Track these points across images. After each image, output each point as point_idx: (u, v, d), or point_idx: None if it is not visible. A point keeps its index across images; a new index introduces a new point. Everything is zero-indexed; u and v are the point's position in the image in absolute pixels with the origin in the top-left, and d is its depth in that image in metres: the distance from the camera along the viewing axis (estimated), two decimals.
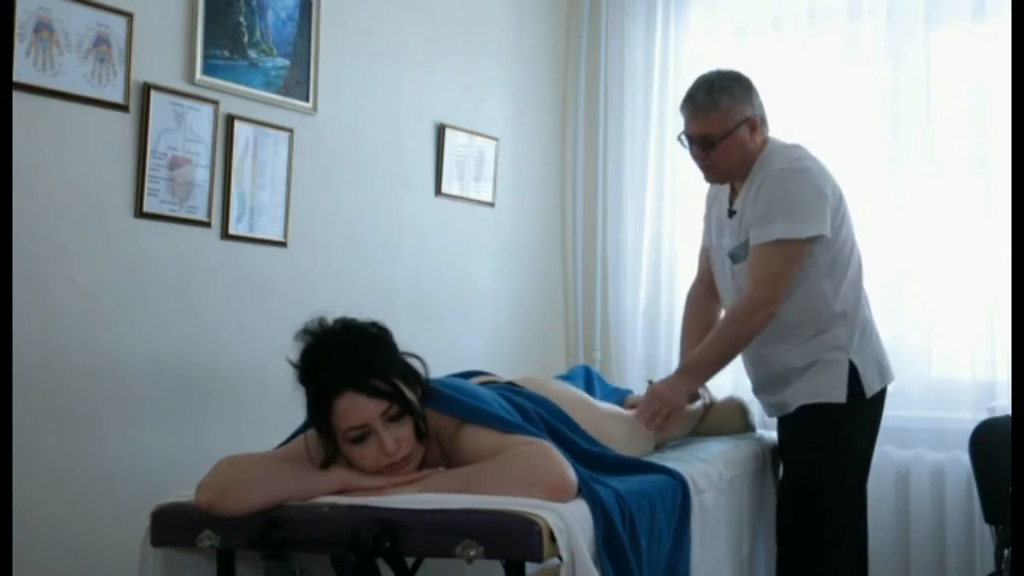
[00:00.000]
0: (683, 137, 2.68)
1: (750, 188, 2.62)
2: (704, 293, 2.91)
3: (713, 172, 2.69)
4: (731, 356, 2.63)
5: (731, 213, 2.70)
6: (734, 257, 2.67)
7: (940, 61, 3.50)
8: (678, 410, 2.57)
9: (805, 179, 2.55)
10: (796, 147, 2.68)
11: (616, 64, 4.02)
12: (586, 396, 2.48)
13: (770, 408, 2.80)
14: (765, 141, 2.66)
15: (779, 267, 2.52)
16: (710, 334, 2.64)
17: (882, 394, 2.70)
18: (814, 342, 2.61)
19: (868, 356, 2.65)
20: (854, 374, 2.60)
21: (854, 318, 2.63)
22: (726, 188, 2.75)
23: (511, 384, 2.29)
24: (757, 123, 2.64)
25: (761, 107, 2.68)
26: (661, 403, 2.53)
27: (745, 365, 2.81)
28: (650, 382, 2.99)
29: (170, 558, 1.91)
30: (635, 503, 1.88)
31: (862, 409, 2.63)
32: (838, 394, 2.58)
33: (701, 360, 2.60)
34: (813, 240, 2.53)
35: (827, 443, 2.59)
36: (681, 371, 2.62)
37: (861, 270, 2.71)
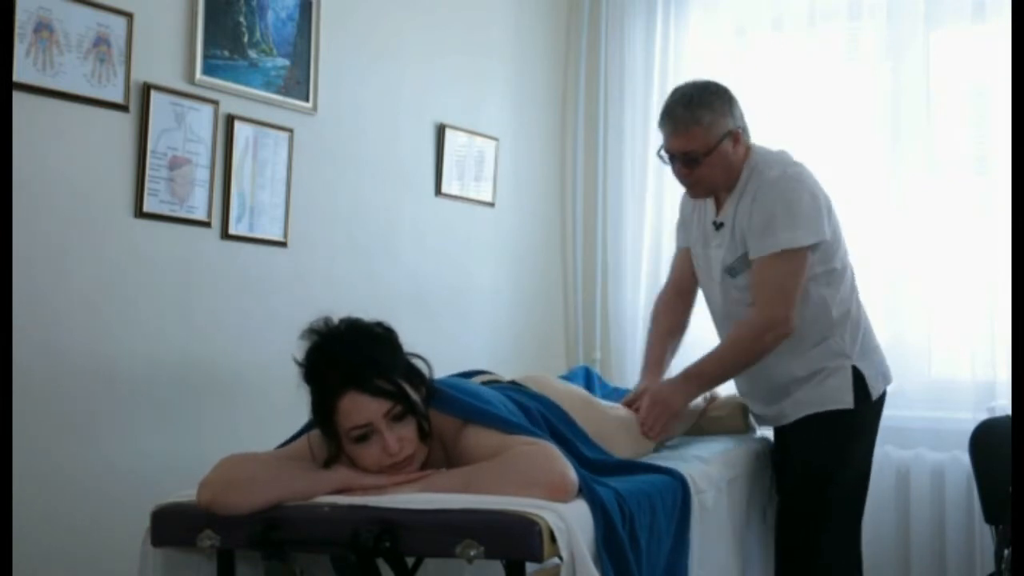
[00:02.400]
0: (663, 153, 2.59)
1: (741, 199, 2.56)
2: (675, 297, 2.85)
3: (698, 188, 2.62)
4: (738, 372, 2.61)
5: (717, 226, 2.63)
6: (732, 271, 2.60)
7: (940, 61, 3.50)
8: (677, 416, 2.55)
9: (802, 186, 2.51)
10: (783, 153, 2.63)
11: (616, 64, 4.02)
12: (590, 396, 2.47)
13: (761, 419, 2.78)
14: (748, 150, 2.60)
15: (786, 280, 2.47)
16: (721, 345, 2.60)
17: (883, 396, 2.69)
18: (817, 350, 2.58)
19: (871, 359, 2.63)
20: (859, 379, 2.58)
21: (855, 323, 2.62)
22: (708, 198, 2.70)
23: (514, 383, 2.29)
24: (739, 135, 2.56)
25: (742, 117, 2.60)
26: (662, 408, 2.49)
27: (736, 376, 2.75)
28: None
29: (170, 558, 1.90)
30: (635, 503, 1.88)
31: (869, 413, 2.62)
32: (845, 400, 2.56)
33: (707, 370, 2.56)
34: (814, 248, 2.50)
35: (835, 450, 2.57)
36: (686, 376, 2.58)
37: (854, 274, 2.68)
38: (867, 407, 2.60)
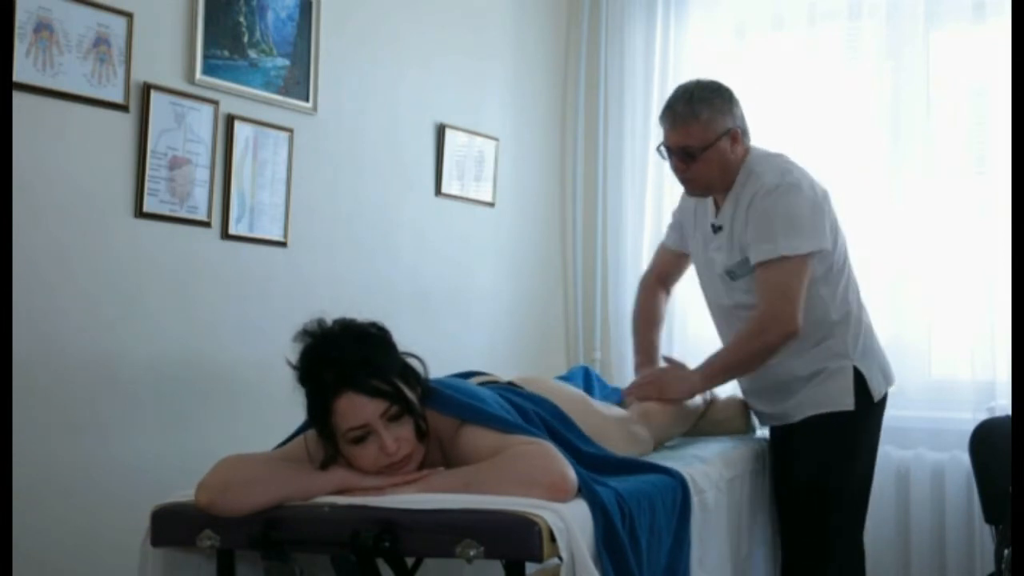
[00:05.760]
0: (662, 148, 2.63)
1: (738, 202, 2.59)
2: (656, 283, 2.97)
3: (693, 185, 2.65)
4: (744, 371, 2.63)
5: (716, 228, 2.66)
6: (732, 275, 2.62)
7: (940, 61, 3.50)
8: (668, 404, 2.58)
9: (801, 195, 2.51)
10: (780, 157, 2.64)
11: (616, 64, 4.02)
12: (586, 397, 2.47)
13: (766, 418, 2.79)
14: (746, 152, 2.62)
15: (788, 281, 2.48)
16: (729, 342, 2.63)
17: (885, 398, 2.70)
18: (817, 350, 2.60)
19: (872, 360, 2.64)
20: (860, 380, 2.59)
21: (856, 323, 2.63)
22: (707, 200, 2.72)
23: (511, 384, 2.29)
24: (738, 134, 2.59)
25: (743, 118, 2.63)
26: (658, 393, 2.56)
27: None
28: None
29: (170, 558, 1.91)
30: (635, 503, 1.88)
31: (871, 414, 2.63)
32: (846, 402, 2.58)
33: (716, 365, 2.59)
34: (814, 255, 2.52)
35: (838, 451, 2.59)
36: (702, 375, 2.60)
37: (853, 273, 2.70)
38: (869, 409, 2.62)
